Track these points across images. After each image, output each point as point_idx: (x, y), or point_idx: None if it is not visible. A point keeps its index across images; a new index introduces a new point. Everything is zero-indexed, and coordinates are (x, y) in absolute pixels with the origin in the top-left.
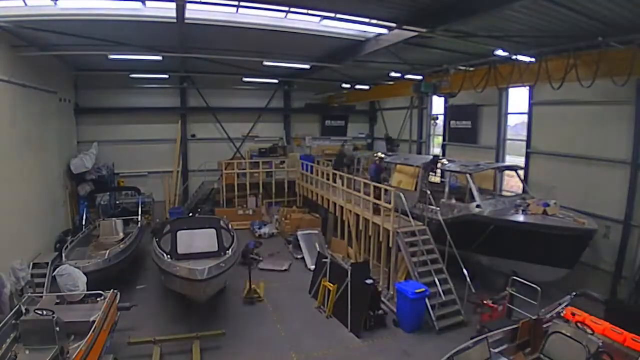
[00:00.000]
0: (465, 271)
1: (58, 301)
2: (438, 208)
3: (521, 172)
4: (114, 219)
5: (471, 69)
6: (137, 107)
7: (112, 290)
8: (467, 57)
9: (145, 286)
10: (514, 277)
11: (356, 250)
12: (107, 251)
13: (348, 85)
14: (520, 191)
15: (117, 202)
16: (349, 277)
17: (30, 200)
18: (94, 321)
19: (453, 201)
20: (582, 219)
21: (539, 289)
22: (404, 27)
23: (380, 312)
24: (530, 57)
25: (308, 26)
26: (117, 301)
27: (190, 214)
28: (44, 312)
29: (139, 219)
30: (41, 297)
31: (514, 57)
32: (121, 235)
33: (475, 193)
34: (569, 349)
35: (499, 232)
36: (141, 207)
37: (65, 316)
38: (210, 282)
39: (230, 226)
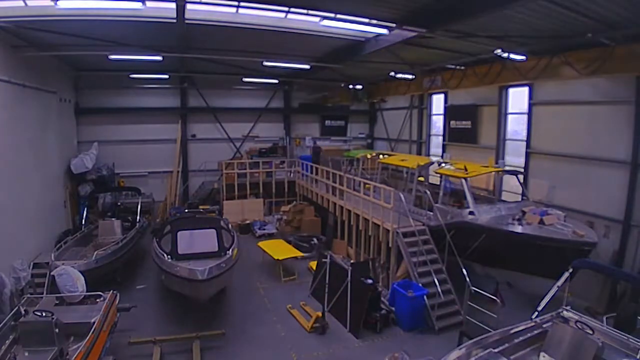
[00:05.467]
0: (464, 271)
1: (57, 302)
2: (431, 213)
3: (521, 177)
4: (113, 219)
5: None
6: (137, 107)
7: (111, 291)
8: (467, 57)
9: (145, 286)
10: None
11: (356, 250)
12: (95, 253)
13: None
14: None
15: (119, 203)
16: (349, 277)
17: (30, 201)
18: (93, 322)
19: (447, 206)
20: (582, 230)
21: (499, 301)
22: (404, 27)
23: (380, 312)
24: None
25: (308, 26)
26: (117, 302)
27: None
28: (44, 314)
29: (138, 219)
30: (40, 298)
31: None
32: (120, 235)
33: (470, 199)
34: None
35: (492, 241)
36: (141, 207)
37: (64, 317)
38: (211, 282)
39: (230, 226)
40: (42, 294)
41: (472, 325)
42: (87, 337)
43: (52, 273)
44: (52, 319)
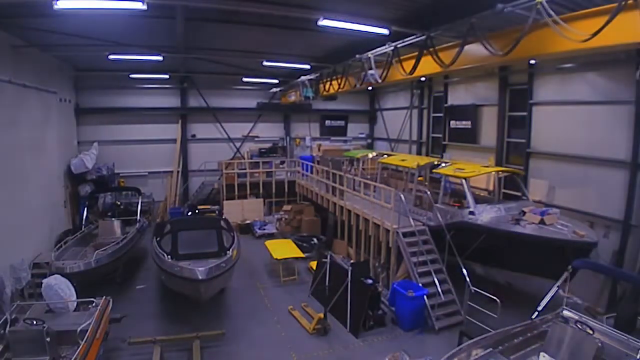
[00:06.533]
0: (464, 271)
1: (48, 309)
2: (430, 213)
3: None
4: (113, 219)
5: None
6: (137, 107)
7: (104, 297)
8: None
9: (145, 286)
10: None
11: (356, 250)
12: (95, 253)
13: (276, 81)
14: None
15: (119, 203)
16: (349, 277)
17: (30, 201)
18: (86, 330)
19: (447, 206)
20: (582, 230)
21: (498, 301)
22: (405, 27)
23: (380, 312)
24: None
25: (308, 26)
26: (109, 308)
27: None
28: (35, 322)
29: (138, 219)
30: (30, 305)
31: None
32: (120, 235)
33: (470, 199)
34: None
35: (492, 241)
36: (141, 207)
37: (55, 325)
38: (211, 282)
39: (231, 226)
40: (40, 296)
41: (472, 325)
42: (80, 345)
43: (43, 281)
44: (43, 327)
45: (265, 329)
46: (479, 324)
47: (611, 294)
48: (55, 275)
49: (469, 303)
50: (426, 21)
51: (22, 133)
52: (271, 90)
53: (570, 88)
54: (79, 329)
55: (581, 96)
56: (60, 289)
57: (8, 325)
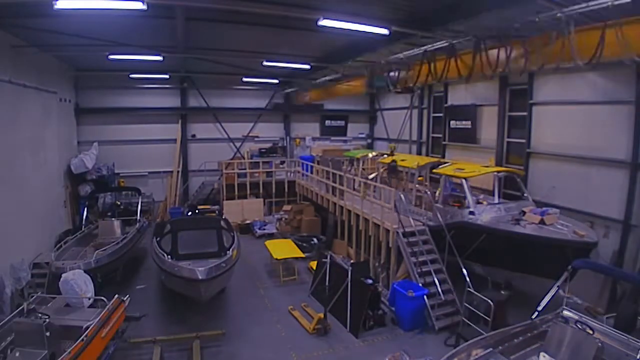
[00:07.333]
0: (464, 271)
1: (66, 303)
2: (430, 213)
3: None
4: (113, 219)
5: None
6: (137, 107)
7: (115, 296)
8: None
9: (145, 286)
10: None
11: (356, 250)
12: (95, 253)
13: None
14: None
15: (119, 203)
16: (349, 277)
17: (30, 201)
18: (86, 327)
19: (447, 206)
20: (582, 230)
21: (491, 303)
22: (404, 28)
23: (380, 312)
24: None
25: (308, 26)
26: (123, 307)
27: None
28: (39, 316)
29: (138, 219)
30: (53, 298)
31: None
32: (120, 235)
33: (470, 199)
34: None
35: (492, 241)
36: (141, 207)
37: (66, 319)
38: (211, 282)
39: (231, 226)
40: (42, 294)
41: (472, 326)
42: (76, 343)
43: (62, 275)
44: (44, 321)
45: (265, 329)
46: (475, 326)
47: (611, 294)
48: (75, 270)
49: (466, 304)
50: (426, 21)
51: (22, 133)
52: (285, 91)
53: (571, 88)
54: (84, 326)
55: (581, 96)
56: (76, 284)
57: (20, 316)
